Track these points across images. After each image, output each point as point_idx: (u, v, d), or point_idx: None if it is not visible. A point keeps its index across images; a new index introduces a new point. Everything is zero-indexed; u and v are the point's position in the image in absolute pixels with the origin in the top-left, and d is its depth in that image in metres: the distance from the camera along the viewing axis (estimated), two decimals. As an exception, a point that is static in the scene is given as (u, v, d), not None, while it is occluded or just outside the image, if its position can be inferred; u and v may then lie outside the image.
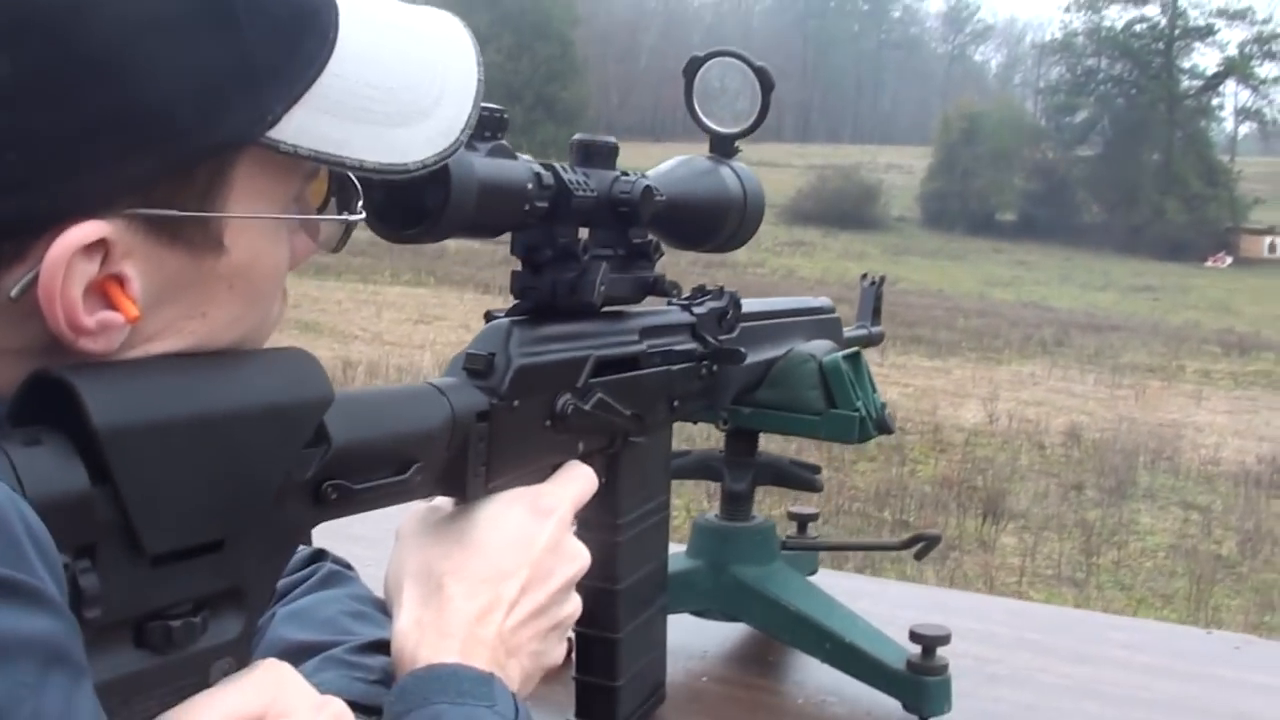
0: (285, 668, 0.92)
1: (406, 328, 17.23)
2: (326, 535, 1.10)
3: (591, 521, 1.27)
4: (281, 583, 1.33)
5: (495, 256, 23.34)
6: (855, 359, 1.88)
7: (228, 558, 0.86)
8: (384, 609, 1.20)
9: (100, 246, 0.79)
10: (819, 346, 1.85)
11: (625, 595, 1.38)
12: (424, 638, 1.06)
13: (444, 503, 1.16)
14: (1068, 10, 70.28)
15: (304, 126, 0.86)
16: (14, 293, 0.78)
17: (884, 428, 1.88)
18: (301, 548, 1.38)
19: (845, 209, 50.88)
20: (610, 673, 1.38)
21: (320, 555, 1.39)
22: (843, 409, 1.81)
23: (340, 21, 0.90)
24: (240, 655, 0.89)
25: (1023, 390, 15.34)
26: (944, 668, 1.78)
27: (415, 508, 1.16)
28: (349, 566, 1.40)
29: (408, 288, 22.00)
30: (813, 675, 1.89)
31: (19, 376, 0.80)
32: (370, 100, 0.90)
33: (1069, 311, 29.44)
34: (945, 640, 1.78)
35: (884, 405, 1.90)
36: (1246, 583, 8.19)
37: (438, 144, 0.95)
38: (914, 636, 1.78)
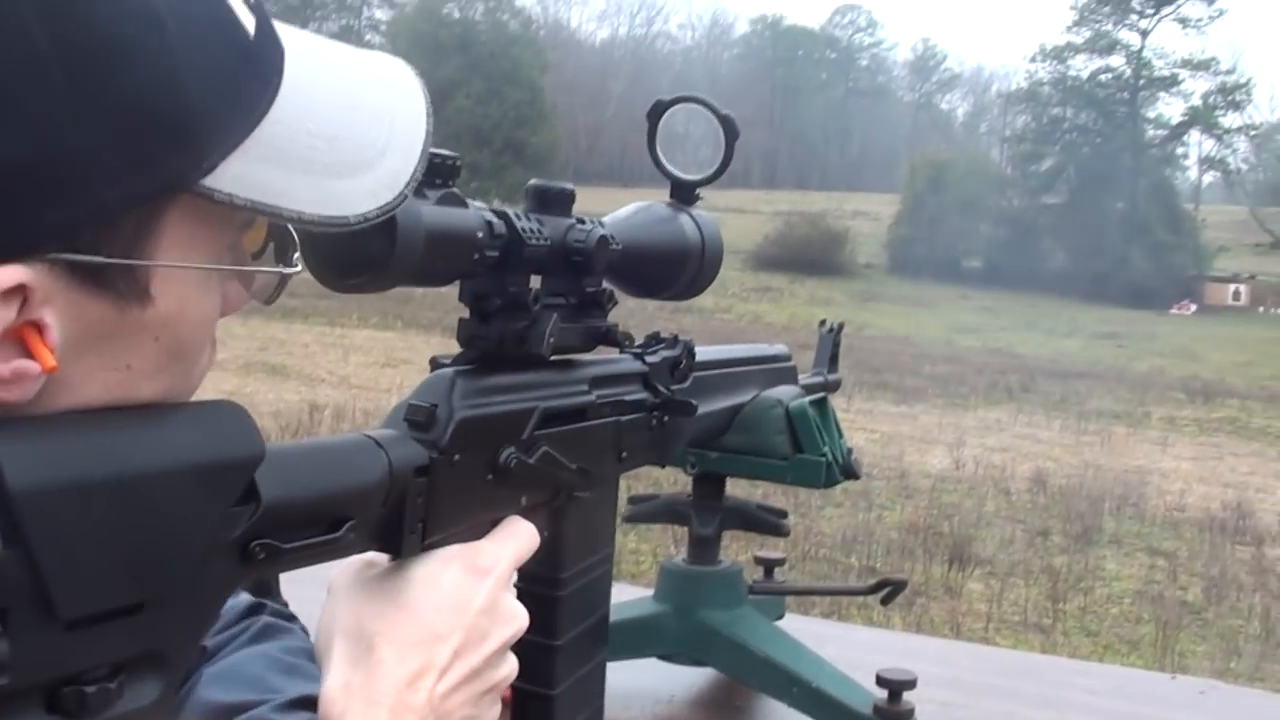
0: None
1: (374, 371, 17.19)
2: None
3: (532, 576, 1.24)
4: (214, 640, 1.30)
5: (463, 301, 23.10)
6: (822, 404, 1.89)
7: (147, 620, 0.82)
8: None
9: (19, 292, 0.75)
10: (786, 392, 1.86)
11: (564, 651, 1.33)
12: (350, 704, 1.01)
13: (379, 557, 1.10)
14: (1033, 60, 70.95)
15: (241, 175, 0.81)
16: None
17: (850, 473, 1.88)
18: (243, 598, 1.36)
19: (812, 255, 51.01)
20: None
21: (259, 608, 1.37)
22: (809, 454, 1.82)
23: (285, 66, 0.86)
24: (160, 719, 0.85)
25: (989, 436, 15.38)
26: (910, 712, 1.78)
27: (350, 561, 1.11)
28: (291, 616, 1.38)
29: (375, 331, 21.97)
30: (780, 720, 1.89)
31: None
32: (312, 150, 0.86)
33: (1035, 358, 29.56)
34: (911, 685, 1.79)
35: (850, 450, 1.91)
36: (1211, 629, 8.21)
37: (381, 197, 0.90)
38: (881, 681, 1.79)
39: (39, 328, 0.77)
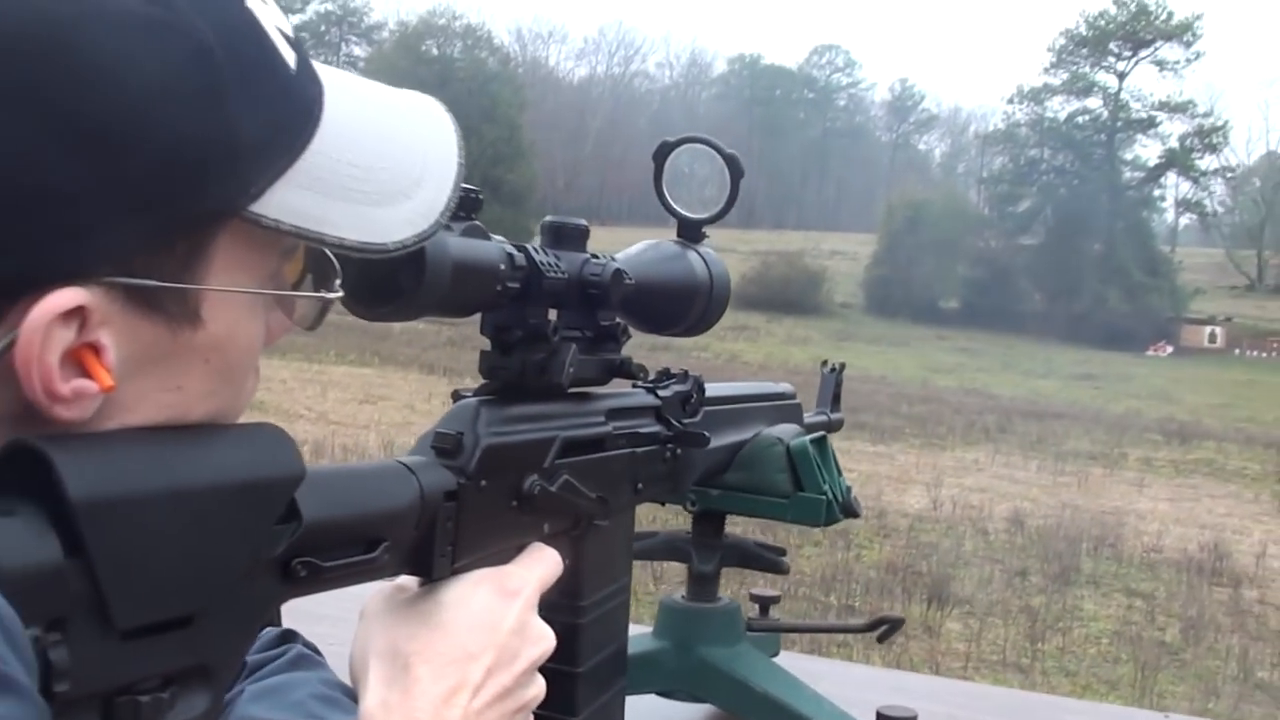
0: None
1: (351, 407, 17.16)
2: (293, 614, 1.10)
3: (554, 603, 1.25)
4: (252, 659, 1.32)
5: (440, 337, 23.38)
6: (821, 443, 1.90)
7: (197, 633, 0.85)
8: (352, 696, 1.16)
9: (78, 314, 0.78)
10: (786, 430, 1.87)
11: (585, 678, 1.36)
12: None
13: (409, 582, 1.13)
14: (1011, 101, 71.54)
15: (285, 202, 0.85)
16: None
17: (850, 511, 1.90)
18: (271, 628, 1.38)
19: (789, 294, 51.15)
20: None
21: (290, 636, 1.38)
22: (810, 492, 1.83)
23: (325, 99, 0.90)
24: None
25: (966, 477, 15.41)
26: (909, 749, 1.80)
27: (381, 586, 1.13)
28: (317, 651, 1.39)
29: (353, 367, 21.92)
30: (778, 757, 1.89)
31: None
32: (351, 179, 0.90)
33: (1011, 399, 29.63)
34: (911, 723, 1.80)
35: (849, 489, 1.92)
36: (1189, 669, 8.23)
37: (417, 225, 0.94)
38: (881, 718, 1.80)
39: (96, 349, 0.80)
